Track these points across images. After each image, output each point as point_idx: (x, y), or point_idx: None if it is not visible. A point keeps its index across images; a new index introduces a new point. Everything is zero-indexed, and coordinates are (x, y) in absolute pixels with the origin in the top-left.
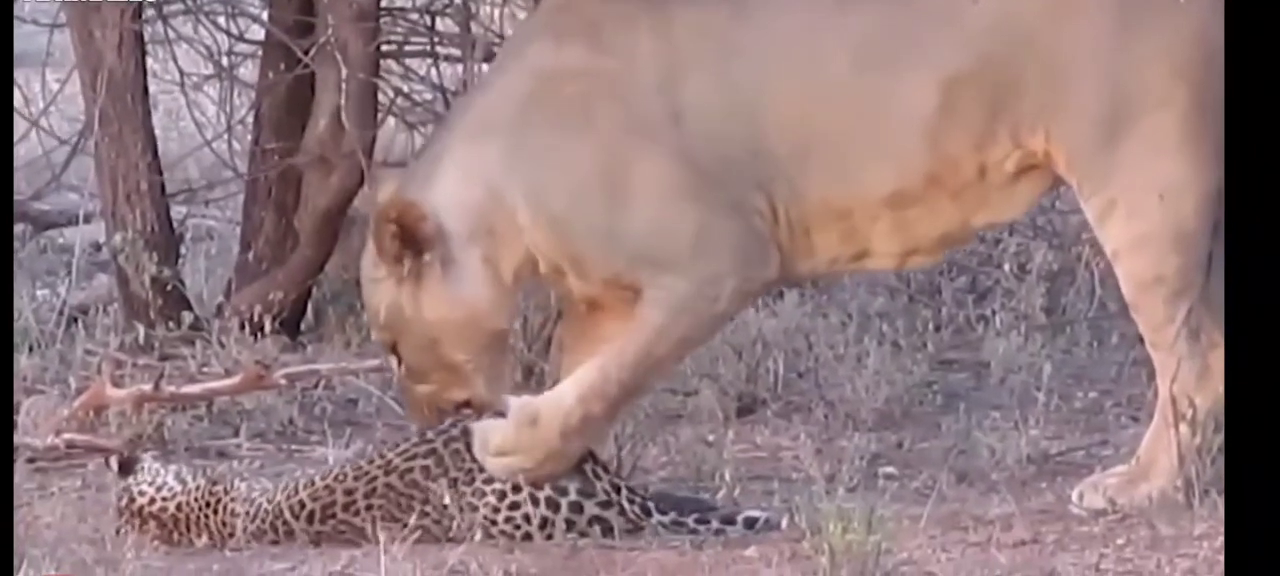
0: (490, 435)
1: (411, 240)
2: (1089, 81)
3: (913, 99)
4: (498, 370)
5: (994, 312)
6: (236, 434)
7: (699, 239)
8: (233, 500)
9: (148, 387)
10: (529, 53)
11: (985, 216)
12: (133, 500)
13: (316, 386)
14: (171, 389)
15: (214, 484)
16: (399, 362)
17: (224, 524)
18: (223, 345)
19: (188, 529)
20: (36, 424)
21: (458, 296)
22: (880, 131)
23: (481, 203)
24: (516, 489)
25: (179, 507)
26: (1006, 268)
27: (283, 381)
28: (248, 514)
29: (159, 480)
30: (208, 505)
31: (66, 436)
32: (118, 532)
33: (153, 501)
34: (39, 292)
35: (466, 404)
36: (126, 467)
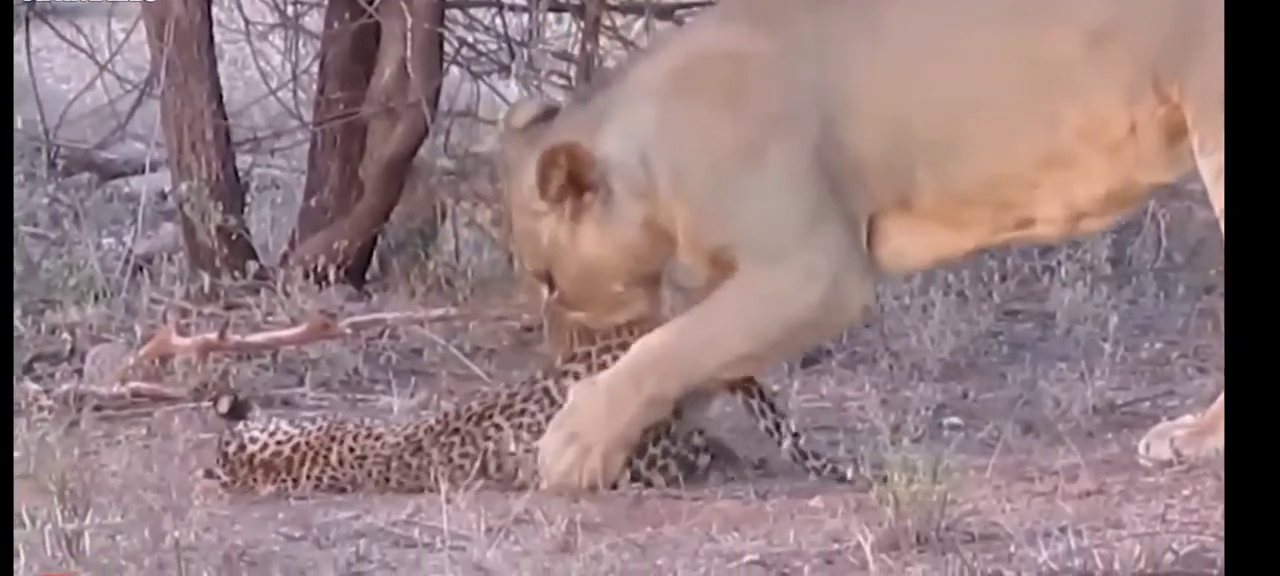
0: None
1: (577, 181)
2: (1221, 29)
3: (1059, 55)
4: (657, 290)
5: (1059, 263)
6: (301, 383)
7: (807, 236)
8: (355, 438)
9: (213, 336)
10: (696, 28)
11: (1148, 175)
12: (242, 447)
13: (381, 336)
14: (236, 338)
15: (336, 426)
16: (551, 289)
17: (341, 460)
18: (288, 294)
19: (301, 469)
20: (102, 372)
21: (616, 239)
22: (1028, 93)
23: (636, 166)
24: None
25: (295, 449)
26: None
27: (347, 331)
28: (376, 452)
29: (272, 425)
30: (325, 446)
31: (132, 385)
32: (222, 480)
33: (264, 447)
34: (105, 241)
35: (626, 326)
36: (237, 412)
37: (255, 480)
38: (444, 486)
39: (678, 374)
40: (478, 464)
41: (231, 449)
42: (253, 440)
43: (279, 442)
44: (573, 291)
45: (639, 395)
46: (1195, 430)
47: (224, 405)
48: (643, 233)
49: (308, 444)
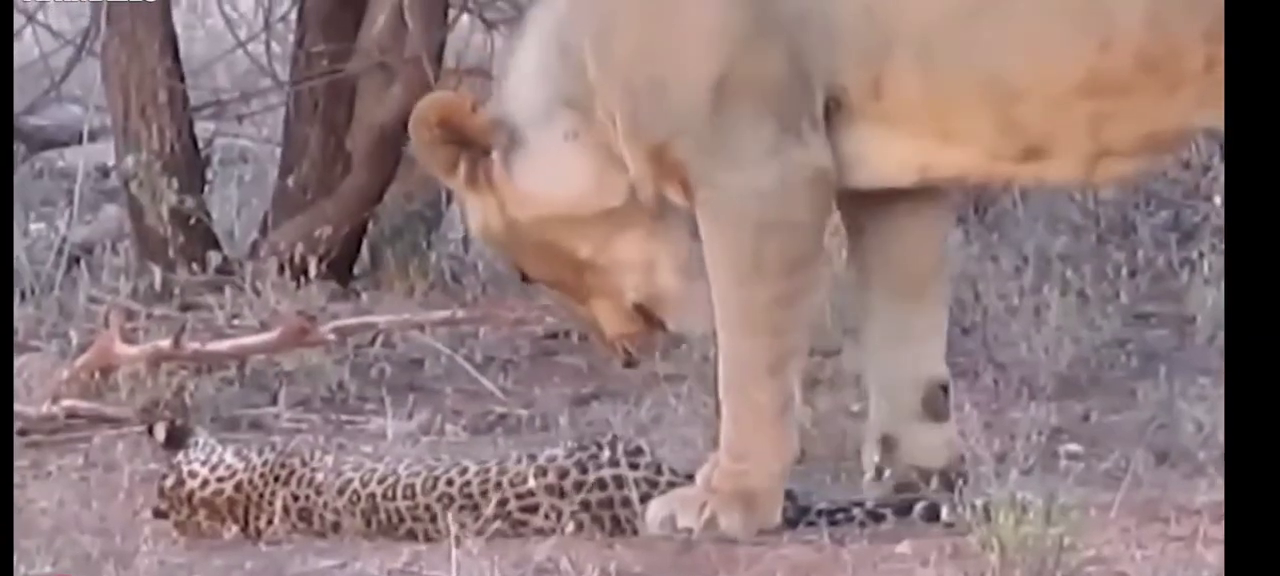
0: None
1: (462, 139)
2: None
3: None
4: (663, 256)
5: (1202, 255)
6: (274, 401)
7: (748, 116)
8: (315, 471)
9: (165, 344)
10: None
11: (1205, 116)
12: (181, 482)
13: (372, 343)
14: (195, 345)
15: (288, 456)
16: (526, 281)
17: (295, 498)
18: (258, 292)
19: (246, 515)
20: (31, 388)
21: (541, 186)
22: None
23: (555, 65)
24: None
25: (238, 488)
26: (1217, 200)
27: (331, 337)
28: (337, 489)
29: (214, 457)
30: (279, 480)
31: (66, 403)
32: (159, 516)
33: (205, 483)
34: (33, 227)
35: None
36: (176, 439)
37: (198, 523)
38: (453, 528)
39: (756, 365)
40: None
41: (169, 484)
42: (192, 474)
43: (221, 478)
44: (550, 277)
45: (773, 410)
46: None
47: (160, 432)
48: (573, 155)
49: (255, 480)
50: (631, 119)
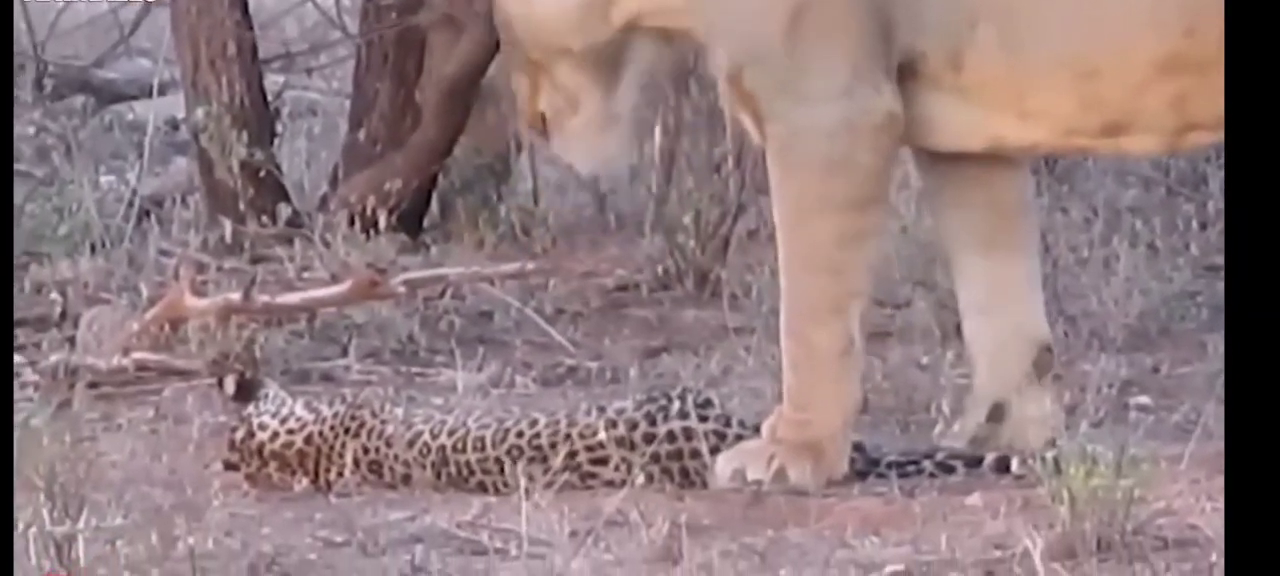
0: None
1: None
2: None
3: None
4: (586, 100)
5: None
6: (344, 353)
7: (822, 56)
8: (385, 423)
9: (236, 296)
10: None
11: None
12: (251, 434)
13: (442, 295)
14: (265, 298)
15: (358, 408)
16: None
17: (365, 450)
18: (328, 244)
19: (316, 467)
20: (100, 340)
21: None
22: None
23: None
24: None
25: (309, 440)
26: None
27: (401, 289)
28: (407, 442)
29: (284, 410)
30: (349, 433)
31: (136, 355)
32: (230, 468)
33: (275, 436)
34: (103, 179)
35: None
36: (246, 391)
37: (268, 475)
38: (522, 481)
39: (816, 305)
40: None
41: (239, 437)
42: (262, 426)
43: (290, 431)
44: (511, 36)
45: (832, 354)
46: None
47: (230, 385)
48: None
49: (326, 432)
50: (712, 32)
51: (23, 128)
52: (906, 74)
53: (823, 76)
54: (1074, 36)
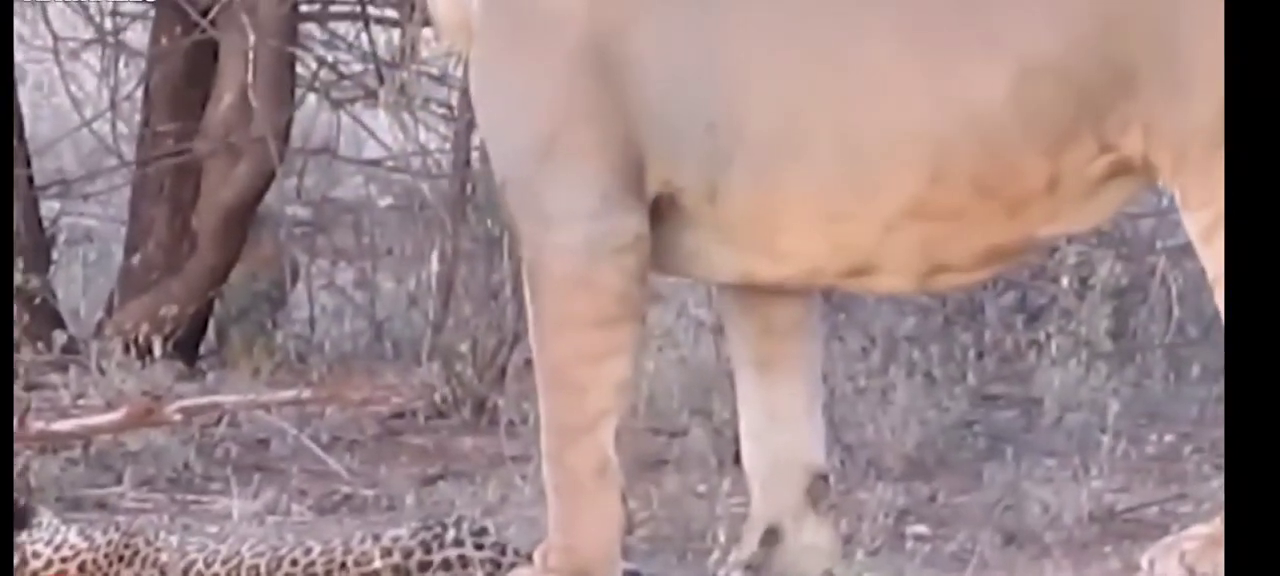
0: None
1: None
2: (1210, 64)
3: (975, 95)
4: None
5: (1049, 337)
6: (119, 481)
7: (570, 182)
8: (159, 551)
9: (10, 424)
10: None
11: (1054, 230)
12: (25, 563)
13: (218, 423)
14: (39, 425)
15: (133, 536)
16: None
17: None
18: (103, 371)
19: None
20: None
21: None
22: (912, 125)
23: None
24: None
25: (82, 568)
26: (1065, 282)
27: (177, 417)
28: (182, 570)
29: (58, 537)
30: (123, 561)
31: None
32: None
33: (49, 564)
34: None
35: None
36: (20, 519)
37: None
38: None
39: (566, 425)
40: None
41: (14, 563)
42: (35, 555)
43: (65, 559)
44: None
45: (587, 473)
46: (1211, 541)
47: None
48: None
49: (94, 563)
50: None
51: None
52: (667, 205)
53: (568, 199)
54: (822, 180)
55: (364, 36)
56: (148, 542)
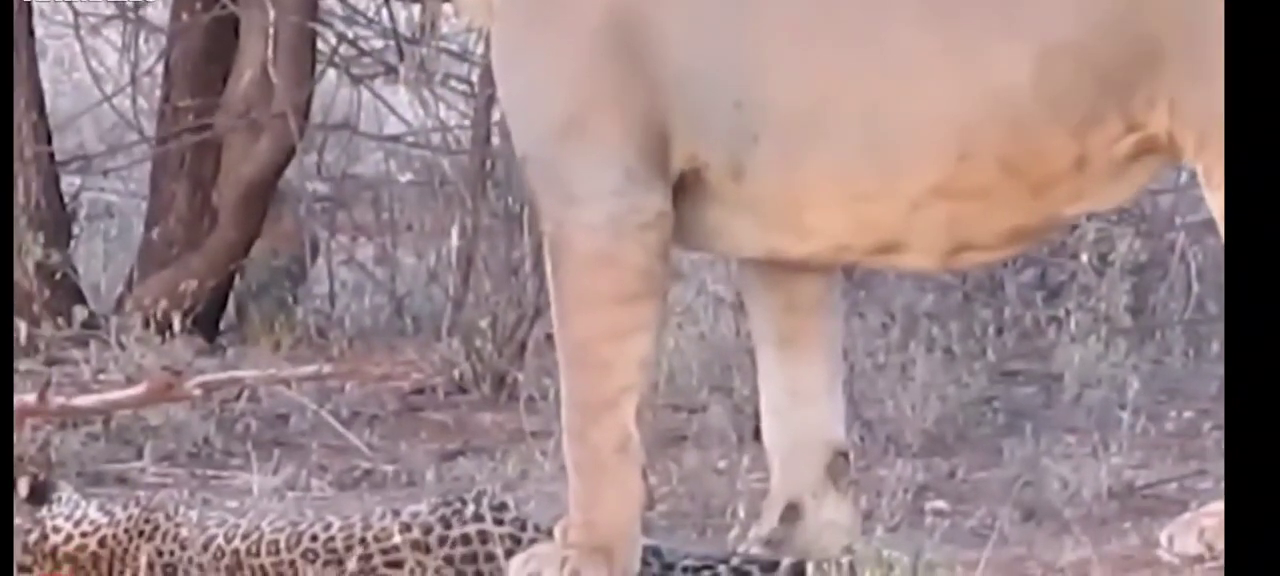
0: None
1: None
2: None
3: (995, 72)
4: None
5: (1068, 313)
6: (139, 456)
7: (593, 159)
8: (179, 526)
9: (31, 398)
10: None
11: (1080, 208)
12: (45, 537)
13: (238, 398)
14: (60, 400)
15: (153, 511)
16: None
17: (159, 553)
18: (123, 347)
19: (110, 570)
20: None
21: None
22: (938, 106)
23: None
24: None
25: (102, 543)
26: (1084, 259)
27: (197, 392)
28: (201, 545)
29: (78, 512)
30: (143, 536)
31: None
32: (23, 571)
33: (69, 538)
34: None
35: None
36: (39, 494)
37: None
38: None
39: (589, 403)
40: None
41: (32, 540)
42: (56, 529)
43: (84, 534)
44: None
45: (609, 451)
46: None
47: (23, 487)
48: None
49: (114, 538)
50: (508, 122)
51: None
52: (692, 181)
53: (592, 176)
54: (849, 159)
55: (384, 12)
56: (168, 517)
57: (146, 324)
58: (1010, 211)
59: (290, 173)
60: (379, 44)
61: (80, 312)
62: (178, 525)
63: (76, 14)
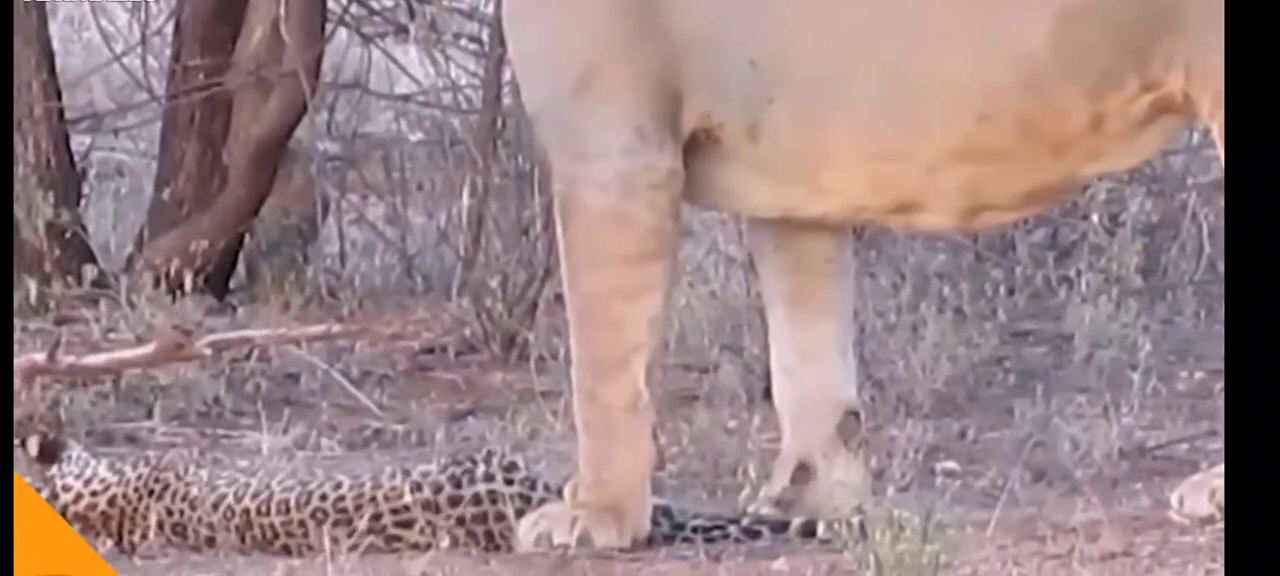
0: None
1: None
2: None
3: (1018, 43)
4: None
5: (1079, 273)
6: (150, 415)
7: (606, 117)
8: (189, 485)
9: (40, 357)
10: None
11: (1097, 168)
12: (55, 496)
13: (248, 357)
14: (70, 359)
15: (163, 470)
16: None
17: (169, 512)
18: (133, 305)
19: (120, 529)
20: None
21: None
22: (958, 67)
23: None
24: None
25: (112, 502)
26: (1095, 219)
27: (207, 351)
28: (211, 504)
29: (88, 471)
30: (153, 495)
31: None
32: None
33: (79, 497)
34: None
35: None
36: (49, 453)
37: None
38: (327, 544)
39: (599, 360)
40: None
41: (43, 498)
42: (66, 488)
43: (94, 493)
44: None
45: (619, 410)
46: None
47: (33, 446)
48: None
49: (124, 497)
50: (519, 80)
51: None
52: (705, 141)
53: (603, 136)
54: (868, 119)
55: None
56: (177, 476)
57: (156, 283)
58: (1029, 172)
59: (300, 132)
60: (389, 3)
61: (90, 271)
62: (187, 484)
63: None
